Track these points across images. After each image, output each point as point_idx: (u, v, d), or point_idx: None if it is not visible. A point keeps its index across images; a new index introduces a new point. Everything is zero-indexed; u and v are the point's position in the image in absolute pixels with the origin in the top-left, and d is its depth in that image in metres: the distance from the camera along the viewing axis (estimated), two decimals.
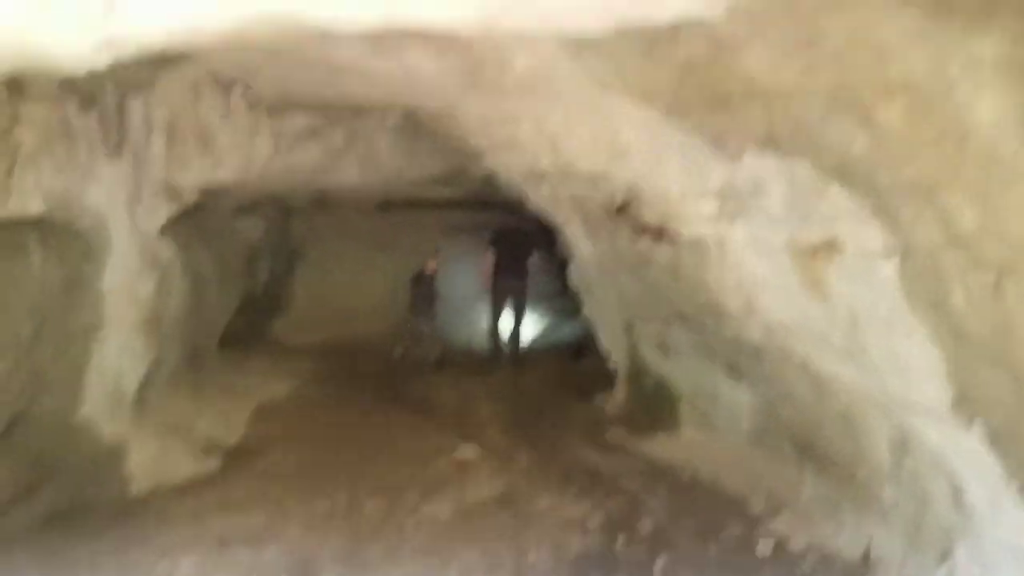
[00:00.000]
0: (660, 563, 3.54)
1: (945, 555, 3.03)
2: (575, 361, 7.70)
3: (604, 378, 6.64)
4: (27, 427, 3.94)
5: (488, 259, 8.20)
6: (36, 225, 3.84)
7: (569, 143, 4.05)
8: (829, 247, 2.99)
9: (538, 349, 8.56)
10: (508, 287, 8.11)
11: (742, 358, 4.41)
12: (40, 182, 3.75)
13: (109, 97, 4.22)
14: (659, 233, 4.23)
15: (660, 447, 5.08)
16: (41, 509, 3.92)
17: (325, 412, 5.97)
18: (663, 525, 3.94)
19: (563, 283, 10.41)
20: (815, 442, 4.04)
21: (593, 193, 4.53)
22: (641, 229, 4.39)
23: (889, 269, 2.73)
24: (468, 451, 5.09)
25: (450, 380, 7.23)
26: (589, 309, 6.13)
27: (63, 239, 4.09)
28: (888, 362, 2.97)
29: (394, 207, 10.15)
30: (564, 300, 10.27)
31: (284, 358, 7.34)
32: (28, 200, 3.70)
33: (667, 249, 4.19)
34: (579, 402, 6.34)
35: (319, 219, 9.33)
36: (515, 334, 8.30)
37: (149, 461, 4.53)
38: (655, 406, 5.42)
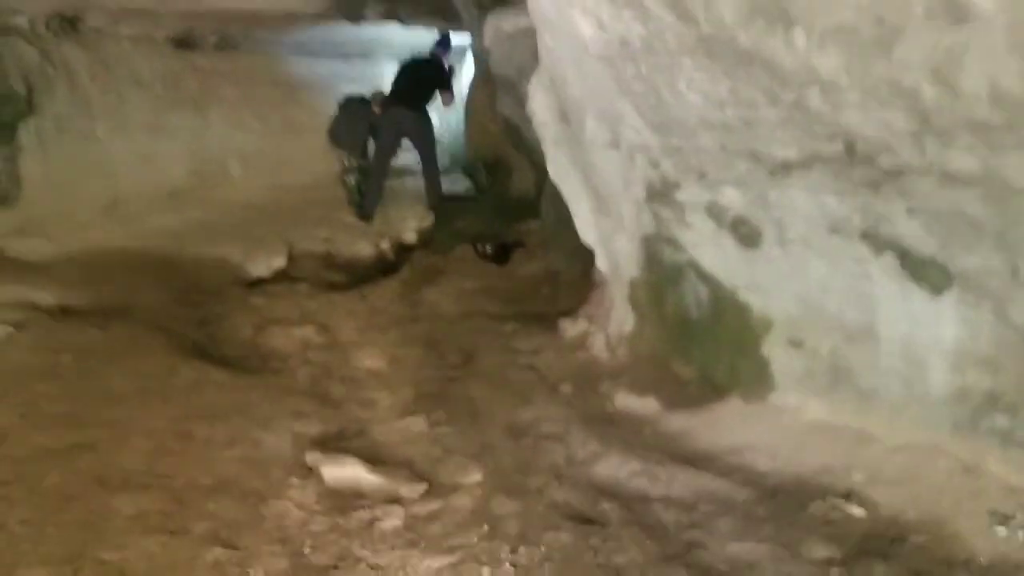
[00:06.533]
0: None
1: None
2: (500, 262, 4.95)
3: (566, 290, 4.05)
4: None
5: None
6: None
7: None
8: None
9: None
10: (399, 118, 6.03)
11: (970, 230, 1.91)
12: None
13: None
14: None
15: (740, 433, 2.51)
16: None
17: (62, 385, 2.85)
18: None
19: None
20: None
21: None
22: None
23: None
24: (353, 468, 2.34)
25: (302, 300, 4.31)
26: (558, 166, 3.32)
27: None
28: None
29: (199, 43, 6.84)
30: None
31: (3, 281, 4.04)
32: None
33: None
34: (535, 334, 3.64)
35: (69, 52, 5.83)
36: (431, 184, 6.25)
37: None
38: (710, 346, 2.82)
